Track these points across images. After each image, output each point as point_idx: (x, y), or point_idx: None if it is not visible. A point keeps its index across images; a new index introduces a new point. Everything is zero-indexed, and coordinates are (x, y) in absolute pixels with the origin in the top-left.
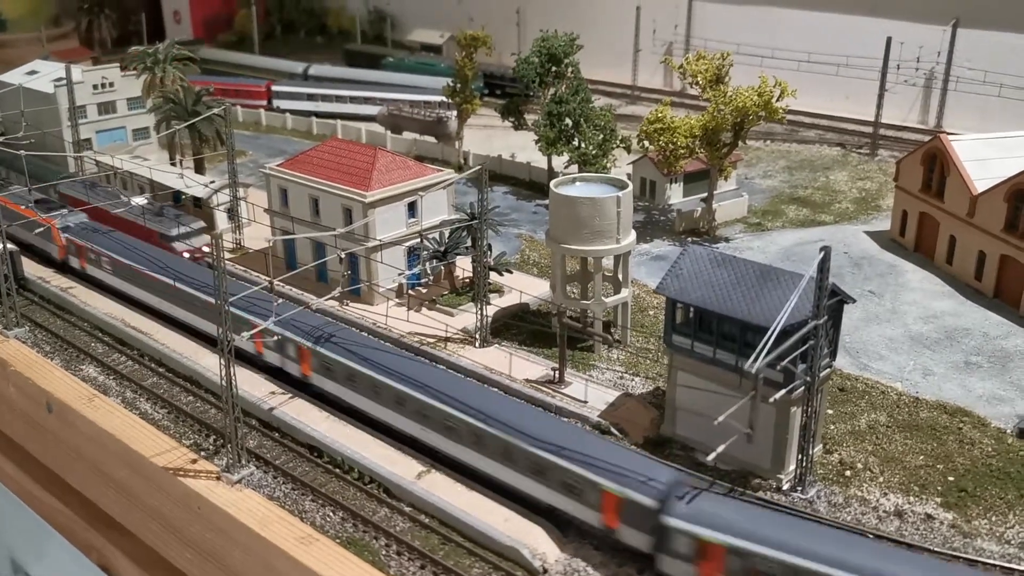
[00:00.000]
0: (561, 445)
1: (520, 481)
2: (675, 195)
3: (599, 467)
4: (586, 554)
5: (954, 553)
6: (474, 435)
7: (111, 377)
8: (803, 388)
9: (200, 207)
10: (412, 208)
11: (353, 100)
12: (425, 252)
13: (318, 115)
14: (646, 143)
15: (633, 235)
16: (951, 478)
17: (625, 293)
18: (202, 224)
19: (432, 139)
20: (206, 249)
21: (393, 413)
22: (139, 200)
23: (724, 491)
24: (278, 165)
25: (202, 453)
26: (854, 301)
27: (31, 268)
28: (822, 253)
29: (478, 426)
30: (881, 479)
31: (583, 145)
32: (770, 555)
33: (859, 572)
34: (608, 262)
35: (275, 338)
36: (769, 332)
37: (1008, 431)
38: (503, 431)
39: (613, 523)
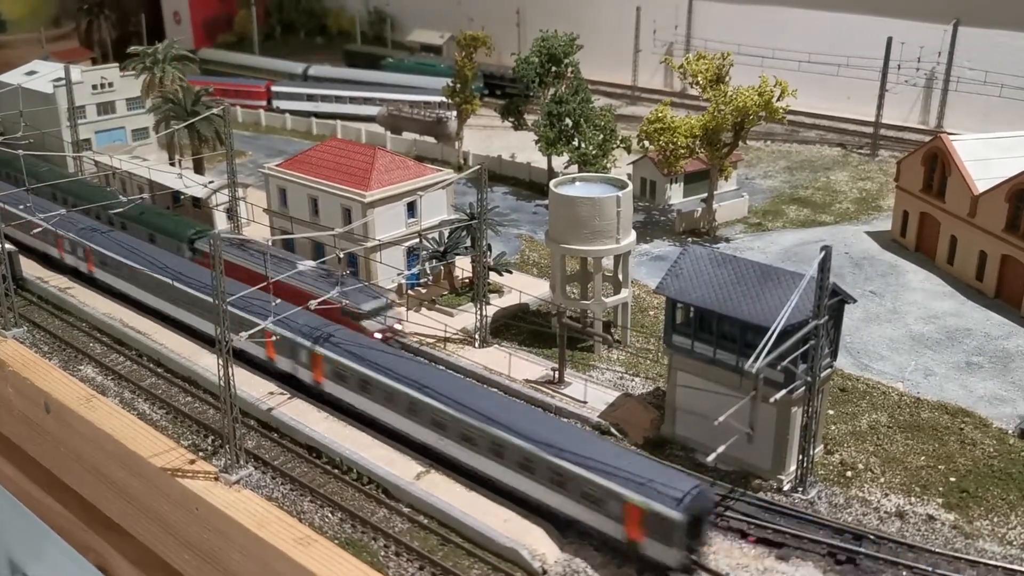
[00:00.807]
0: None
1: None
2: (675, 195)
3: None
4: (586, 555)
5: (955, 554)
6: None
7: (109, 377)
8: (804, 388)
9: (199, 207)
10: (411, 208)
11: (353, 100)
12: (424, 252)
13: (318, 115)
14: (646, 143)
15: (633, 235)
16: (952, 479)
17: (625, 293)
18: (392, 296)
19: (432, 139)
20: (398, 327)
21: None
22: (307, 265)
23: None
24: (277, 165)
25: (200, 454)
26: (855, 301)
27: (30, 268)
28: (823, 253)
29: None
30: (882, 480)
31: (583, 145)
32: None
33: (366, 363)
34: (608, 262)
35: (69, 242)
36: (769, 332)
37: (1010, 432)
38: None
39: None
